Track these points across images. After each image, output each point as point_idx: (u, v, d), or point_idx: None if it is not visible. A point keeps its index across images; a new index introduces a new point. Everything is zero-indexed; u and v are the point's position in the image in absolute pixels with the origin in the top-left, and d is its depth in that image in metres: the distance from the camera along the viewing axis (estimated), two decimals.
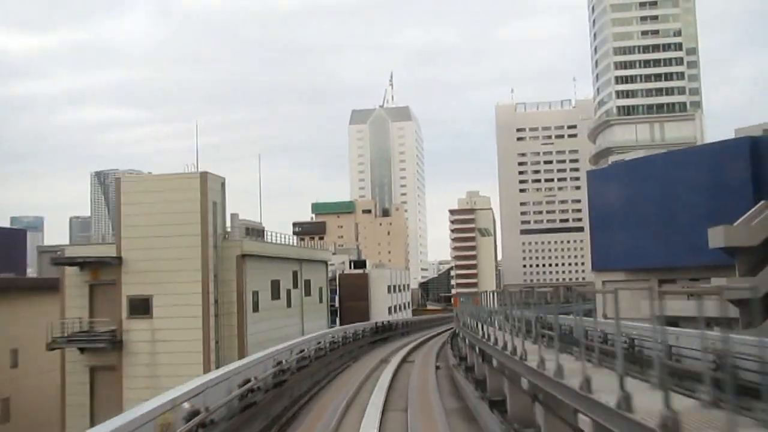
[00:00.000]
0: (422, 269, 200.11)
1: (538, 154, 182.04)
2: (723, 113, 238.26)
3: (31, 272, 54.79)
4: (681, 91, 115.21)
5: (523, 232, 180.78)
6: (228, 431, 8.90)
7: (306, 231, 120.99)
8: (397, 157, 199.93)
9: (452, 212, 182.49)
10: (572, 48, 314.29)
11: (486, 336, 11.57)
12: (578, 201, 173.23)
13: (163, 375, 32.77)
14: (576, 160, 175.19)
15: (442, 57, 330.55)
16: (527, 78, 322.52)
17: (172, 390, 8.13)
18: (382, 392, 14.97)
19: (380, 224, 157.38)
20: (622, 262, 52.26)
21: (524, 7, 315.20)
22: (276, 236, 43.17)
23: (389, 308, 74.31)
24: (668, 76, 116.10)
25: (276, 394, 12.21)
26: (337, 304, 65.82)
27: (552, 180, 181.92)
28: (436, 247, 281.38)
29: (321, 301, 50.65)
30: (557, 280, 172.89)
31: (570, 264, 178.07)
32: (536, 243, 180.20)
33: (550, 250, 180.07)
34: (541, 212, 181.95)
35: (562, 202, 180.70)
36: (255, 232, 40.14)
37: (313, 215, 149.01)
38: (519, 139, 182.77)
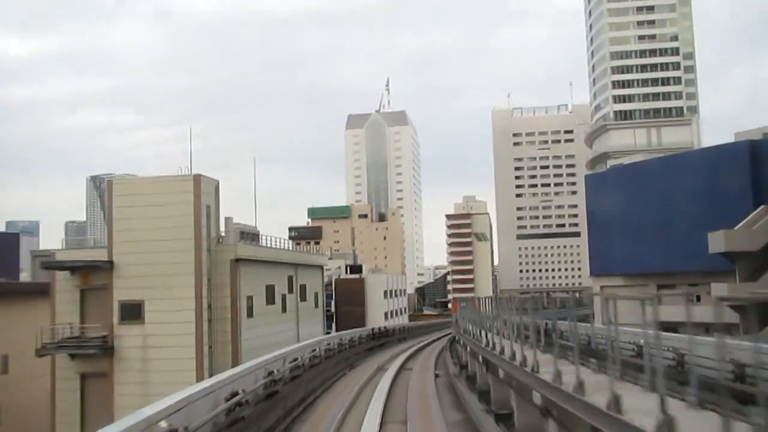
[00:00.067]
0: (418, 274, 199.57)
1: (535, 159, 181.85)
2: (720, 118, 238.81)
3: (25, 277, 54.31)
4: (678, 95, 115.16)
5: (520, 237, 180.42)
6: None
7: (302, 236, 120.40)
8: (393, 162, 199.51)
9: (449, 217, 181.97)
10: (569, 53, 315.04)
11: (490, 344, 10.96)
12: (575, 206, 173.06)
13: (155, 382, 32.22)
14: (572, 165, 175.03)
15: (438, 62, 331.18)
16: (524, 83, 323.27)
17: (148, 407, 7.52)
18: (380, 402, 14.37)
19: (376, 229, 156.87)
20: (620, 267, 51.92)
21: (521, 12, 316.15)
22: (271, 240, 42.61)
23: (385, 313, 73.67)
24: (665, 81, 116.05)
25: (267, 407, 11.57)
26: (333, 310, 65.21)
27: (548, 185, 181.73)
28: (433, 252, 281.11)
29: (317, 306, 50.05)
30: (554, 285, 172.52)
31: (566, 269, 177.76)
32: (533, 248, 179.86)
33: (546, 255, 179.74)
34: (537, 217, 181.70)
35: (559, 207, 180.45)
36: (250, 236, 39.54)
37: (309, 220, 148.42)
38: (516, 144, 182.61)
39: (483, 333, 13.13)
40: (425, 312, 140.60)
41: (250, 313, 36.13)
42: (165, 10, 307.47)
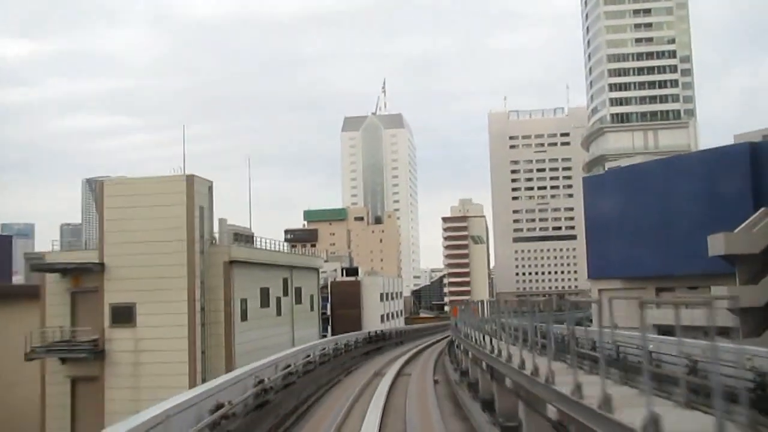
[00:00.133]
0: (414, 277, 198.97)
1: (531, 161, 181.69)
2: (716, 121, 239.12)
3: (19, 279, 53.75)
4: (675, 98, 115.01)
5: (516, 239, 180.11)
6: None
7: (298, 238, 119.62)
8: (389, 165, 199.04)
9: (445, 220, 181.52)
10: (565, 56, 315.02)
11: (496, 351, 10.36)
12: (571, 209, 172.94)
13: (146, 386, 31.66)
14: (569, 168, 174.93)
15: (434, 65, 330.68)
16: (520, 86, 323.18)
17: (120, 424, 6.91)
18: (378, 411, 13.72)
19: (372, 231, 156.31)
20: (618, 270, 51.43)
21: (517, 15, 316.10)
22: (266, 242, 42.00)
23: (382, 316, 73.17)
24: (662, 84, 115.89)
25: (257, 418, 10.87)
26: (328, 312, 64.64)
27: (545, 188, 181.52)
28: (429, 255, 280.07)
29: (312, 309, 49.48)
30: (550, 288, 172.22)
31: (562, 272, 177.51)
32: (529, 251, 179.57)
33: (542, 258, 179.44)
34: (533, 220, 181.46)
35: (555, 209, 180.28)
36: (244, 237, 38.91)
37: (305, 222, 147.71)
38: (512, 146, 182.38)
39: (487, 339, 12.47)
40: (422, 315, 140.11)
41: (244, 317, 35.52)
42: (163, 12, 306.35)
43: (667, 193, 47.96)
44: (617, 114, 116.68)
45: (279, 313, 41.49)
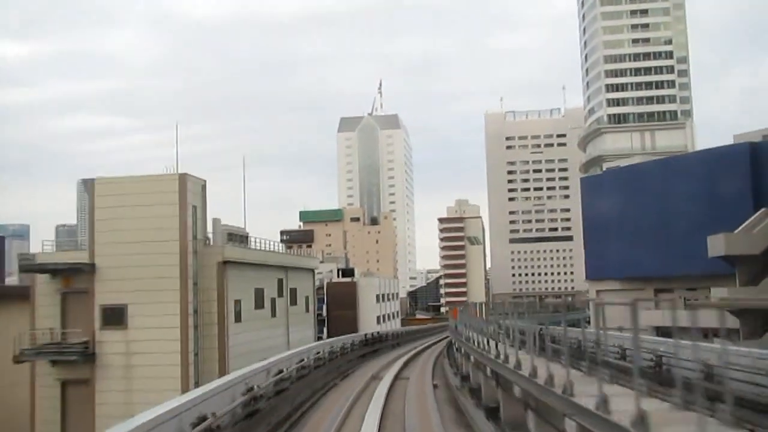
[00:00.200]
0: (411, 278, 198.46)
1: (527, 162, 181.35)
2: (713, 122, 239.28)
3: (13, 281, 53.11)
4: (672, 99, 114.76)
5: (512, 240, 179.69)
6: None
7: (294, 239, 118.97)
8: (385, 165, 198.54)
9: (441, 220, 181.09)
10: (561, 58, 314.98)
11: (502, 356, 9.73)
12: (567, 210, 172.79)
13: (138, 389, 31.14)
14: (565, 169, 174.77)
15: (433, 65, 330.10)
16: (518, 87, 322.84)
17: None
18: (376, 417, 13.11)
19: (369, 232, 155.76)
20: (616, 272, 51.08)
21: (514, 17, 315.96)
22: (261, 243, 41.37)
23: (378, 317, 72.64)
24: (659, 85, 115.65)
25: (246, 427, 10.18)
26: (324, 314, 64.07)
27: (541, 189, 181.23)
28: (425, 256, 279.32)
29: (307, 310, 48.90)
30: (546, 289, 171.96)
31: (559, 273, 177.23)
32: (525, 252, 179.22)
33: (539, 259, 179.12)
34: (530, 221, 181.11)
35: (551, 211, 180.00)
36: (238, 237, 38.27)
37: (301, 223, 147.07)
38: (508, 147, 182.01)
39: (492, 343, 11.83)
40: (418, 316, 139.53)
41: (237, 318, 34.92)
42: (163, 12, 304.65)
43: (666, 194, 47.63)
44: (614, 115, 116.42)
45: (274, 314, 40.89)
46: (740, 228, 35.54)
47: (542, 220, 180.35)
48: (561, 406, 5.79)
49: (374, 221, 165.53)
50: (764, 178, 41.54)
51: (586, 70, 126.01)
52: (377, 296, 74.09)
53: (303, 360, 17.87)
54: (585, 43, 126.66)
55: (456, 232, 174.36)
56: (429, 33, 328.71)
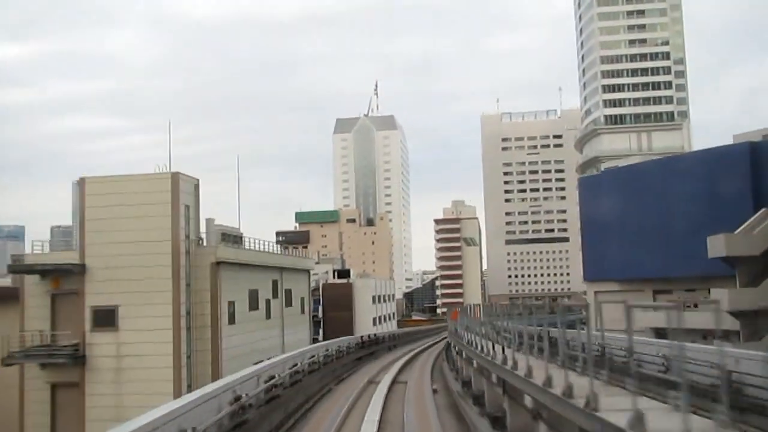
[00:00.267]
0: (407, 279, 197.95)
1: (524, 164, 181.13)
2: (709, 123, 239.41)
3: (7, 282, 52.40)
4: (668, 100, 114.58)
5: (509, 242, 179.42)
6: None
7: (289, 240, 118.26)
8: (381, 166, 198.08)
9: (437, 222, 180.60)
10: (561, 58, 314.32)
11: (510, 362, 9.07)
12: (563, 211, 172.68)
13: (129, 393, 30.57)
14: (561, 170, 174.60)
15: (432, 66, 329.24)
16: (517, 87, 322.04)
17: None
18: (373, 425, 12.48)
19: (365, 233, 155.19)
20: (615, 273, 50.58)
21: (511, 18, 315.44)
22: (255, 243, 40.70)
23: (374, 319, 72.08)
24: (656, 86, 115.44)
25: None
26: (320, 315, 63.48)
27: (537, 190, 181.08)
28: (421, 257, 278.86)
29: (303, 311, 48.28)
30: (542, 290, 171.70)
31: (555, 274, 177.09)
32: (521, 253, 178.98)
33: (535, 260, 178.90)
34: (526, 222, 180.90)
35: (548, 212, 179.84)
36: (232, 238, 37.61)
37: (297, 224, 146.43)
38: (504, 149, 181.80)
39: (498, 348, 11.16)
40: (414, 317, 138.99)
41: (231, 320, 34.28)
42: (163, 12, 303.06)
43: (665, 194, 47.18)
44: (611, 116, 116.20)
45: (268, 316, 40.27)
46: (740, 229, 35.11)
47: (538, 222, 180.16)
48: (583, 421, 5.18)
49: (370, 222, 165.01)
50: (764, 179, 41.13)
51: (583, 70, 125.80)
52: (373, 297, 73.57)
53: (296, 365, 17.13)
54: (582, 44, 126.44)
55: (452, 233, 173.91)
56: (429, 33, 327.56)
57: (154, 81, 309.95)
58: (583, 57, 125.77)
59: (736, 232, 34.74)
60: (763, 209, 35.64)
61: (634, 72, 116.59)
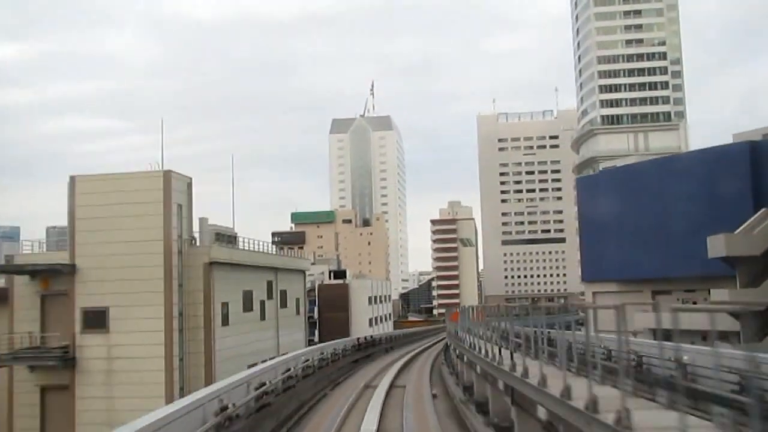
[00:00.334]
0: (403, 280, 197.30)
1: (520, 164, 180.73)
2: (706, 124, 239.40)
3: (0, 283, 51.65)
4: (665, 100, 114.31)
5: (505, 242, 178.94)
6: None
7: (285, 241, 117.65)
8: (378, 167, 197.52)
9: (434, 222, 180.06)
10: (557, 59, 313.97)
11: (521, 370, 8.40)
12: (560, 212, 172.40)
13: (120, 396, 30.00)
14: (558, 171, 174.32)
15: (425, 67, 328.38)
16: (513, 88, 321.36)
17: None
18: None
19: (361, 234, 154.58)
20: (613, 273, 50.10)
21: (509, 18, 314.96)
22: (250, 243, 40.03)
23: (370, 320, 71.51)
24: (652, 86, 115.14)
25: None
26: (316, 316, 62.86)
27: (533, 190, 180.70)
28: (417, 258, 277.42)
29: (298, 313, 47.62)
30: (539, 291, 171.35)
31: (551, 275, 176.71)
32: (518, 254, 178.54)
33: (531, 261, 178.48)
34: (522, 223, 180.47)
35: (544, 212, 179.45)
36: (226, 237, 36.95)
37: (293, 225, 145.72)
38: (501, 149, 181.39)
39: (506, 352, 10.48)
40: (410, 318, 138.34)
41: (225, 321, 33.64)
42: (161, 14, 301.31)
43: (664, 194, 46.75)
44: (608, 116, 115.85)
45: (263, 317, 39.62)
46: (740, 229, 34.69)
47: (535, 222, 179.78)
48: None
49: (366, 223, 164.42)
50: (764, 178, 40.73)
51: (580, 71, 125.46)
52: (369, 298, 73.02)
53: (290, 369, 16.37)
54: (578, 44, 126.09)
55: (448, 234, 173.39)
56: (428, 33, 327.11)
57: (153, 81, 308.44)
58: (579, 57, 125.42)
59: (736, 232, 34.32)
60: (763, 209, 35.20)
61: (630, 72, 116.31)
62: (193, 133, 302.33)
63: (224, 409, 9.22)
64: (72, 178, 31.58)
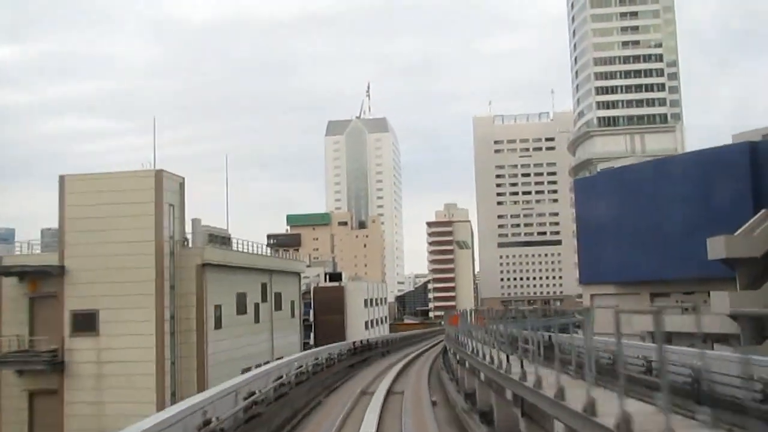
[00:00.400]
0: (399, 282, 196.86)
1: (516, 166, 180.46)
2: (702, 126, 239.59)
3: None
4: (662, 102, 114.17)
5: (501, 245, 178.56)
6: None
7: (281, 243, 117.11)
8: (373, 169, 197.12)
9: (429, 224, 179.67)
10: (554, 59, 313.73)
11: (533, 381, 7.73)
12: (555, 214, 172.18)
13: (110, 401, 29.41)
14: (554, 173, 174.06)
15: (427, 67, 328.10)
16: (512, 89, 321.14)
17: None
18: None
19: (356, 236, 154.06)
20: (611, 275, 49.69)
21: (507, 18, 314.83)
22: (244, 244, 39.40)
23: (366, 323, 70.86)
24: (649, 88, 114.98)
25: None
26: (311, 319, 62.19)
27: (529, 193, 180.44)
28: (413, 260, 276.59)
29: (293, 315, 46.98)
30: (535, 293, 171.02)
31: (547, 278, 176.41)
32: (514, 256, 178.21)
33: (527, 263, 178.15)
34: (518, 225, 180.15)
35: (540, 215, 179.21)
36: (220, 239, 36.28)
37: (288, 227, 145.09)
38: (497, 151, 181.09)
39: (514, 359, 9.83)
40: (406, 321, 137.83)
41: (218, 324, 32.98)
42: (161, 14, 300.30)
43: (663, 195, 46.36)
44: (604, 118, 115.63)
45: (257, 320, 38.96)
46: (740, 230, 34.29)
47: (531, 224, 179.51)
48: None
49: (362, 225, 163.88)
50: (764, 179, 40.37)
51: (576, 72, 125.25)
52: (365, 301, 72.40)
53: (282, 377, 15.59)
54: (575, 45, 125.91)
55: (444, 236, 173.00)
56: (428, 33, 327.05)
57: (153, 81, 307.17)
58: (576, 59, 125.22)
59: (736, 233, 33.92)
60: (763, 210, 34.84)
61: (627, 74, 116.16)
62: (193, 133, 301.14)
63: (207, 423, 8.48)
64: (62, 178, 30.92)
